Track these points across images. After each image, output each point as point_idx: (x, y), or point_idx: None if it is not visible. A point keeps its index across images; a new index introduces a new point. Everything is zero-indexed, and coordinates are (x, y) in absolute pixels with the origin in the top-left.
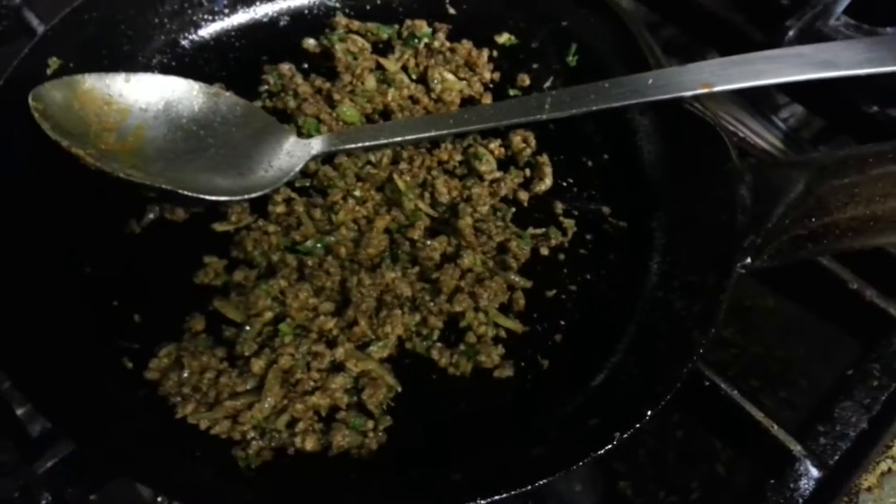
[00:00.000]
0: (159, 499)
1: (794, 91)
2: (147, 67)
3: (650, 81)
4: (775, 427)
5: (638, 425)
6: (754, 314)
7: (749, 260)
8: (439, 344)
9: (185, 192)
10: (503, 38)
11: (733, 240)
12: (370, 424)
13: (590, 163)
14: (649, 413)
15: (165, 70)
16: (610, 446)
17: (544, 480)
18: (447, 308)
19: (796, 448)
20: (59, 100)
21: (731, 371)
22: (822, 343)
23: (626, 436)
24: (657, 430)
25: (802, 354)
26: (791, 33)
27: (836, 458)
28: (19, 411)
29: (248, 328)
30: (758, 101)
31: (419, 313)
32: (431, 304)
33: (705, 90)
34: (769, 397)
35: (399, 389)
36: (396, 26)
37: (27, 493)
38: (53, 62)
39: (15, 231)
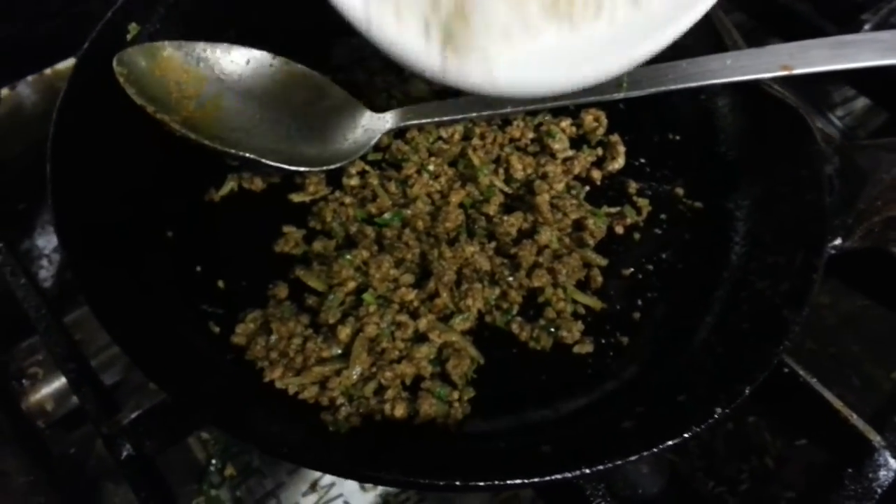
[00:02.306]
0: (213, 461)
1: (862, 83)
2: (222, 37)
3: (728, 62)
4: (854, 416)
5: (738, 401)
6: (809, 312)
7: (840, 241)
8: (519, 318)
9: (267, 162)
10: None
11: (823, 218)
12: (455, 395)
13: (663, 143)
14: (748, 390)
15: (239, 40)
16: (711, 420)
17: (645, 453)
18: (526, 283)
19: (876, 438)
20: (142, 66)
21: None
22: (876, 342)
23: (727, 411)
24: None
25: (856, 353)
26: (867, 27)
27: None
28: (93, 362)
29: (331, 297)
30: (815, 98)
31: (499, 287)
32: (511, 278)
33: (785, 72)
34: None
35: (482, 362)
36: None
37: (111, 443)
38: (133, 28)
39: (98, 193)
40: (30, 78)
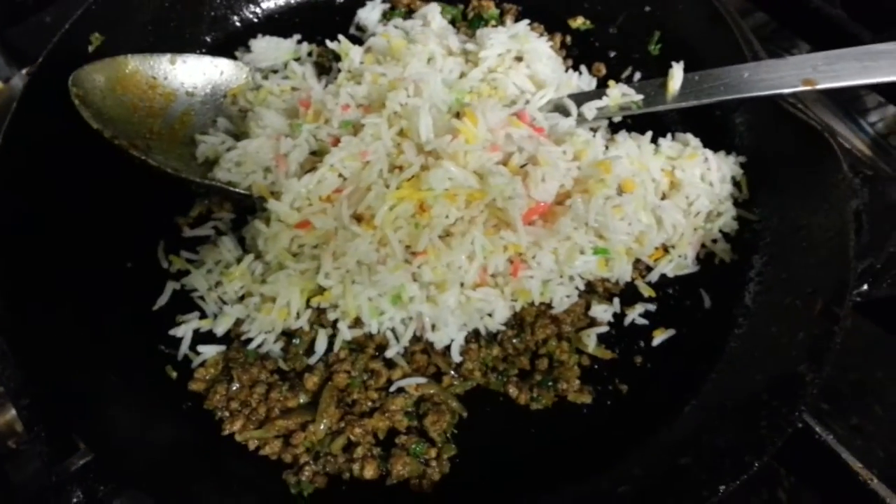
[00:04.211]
0: None
1: (889, 92)
2: (195, 46)
3: (746, 75)
4: (875, 480)
5: (746, 475)
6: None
7: (866, 287)
8: (515, 378)
9: (237, 190)
10: (577, 22)
11: (846, 262)
12: (433, 452)
13: None
14: (757, 463)
15: (214, 50)
16: (714, 499)
17: None
18: (530, 339)
19: None
20: (101, 84)
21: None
22: None
23: (731, 489)
24: None
25: (879, 379)
26: None
27: None
28: None
29: (297, 340)
30: (846, 103)
31: (499, 347)
32: (516, 339)
33: (808, 87)
34: (840, 424)
35: (464, 415)
36: (461, 7)
37: (59, 490)
38: (96, 38)
39: (47, 223)
40: (24, 71)
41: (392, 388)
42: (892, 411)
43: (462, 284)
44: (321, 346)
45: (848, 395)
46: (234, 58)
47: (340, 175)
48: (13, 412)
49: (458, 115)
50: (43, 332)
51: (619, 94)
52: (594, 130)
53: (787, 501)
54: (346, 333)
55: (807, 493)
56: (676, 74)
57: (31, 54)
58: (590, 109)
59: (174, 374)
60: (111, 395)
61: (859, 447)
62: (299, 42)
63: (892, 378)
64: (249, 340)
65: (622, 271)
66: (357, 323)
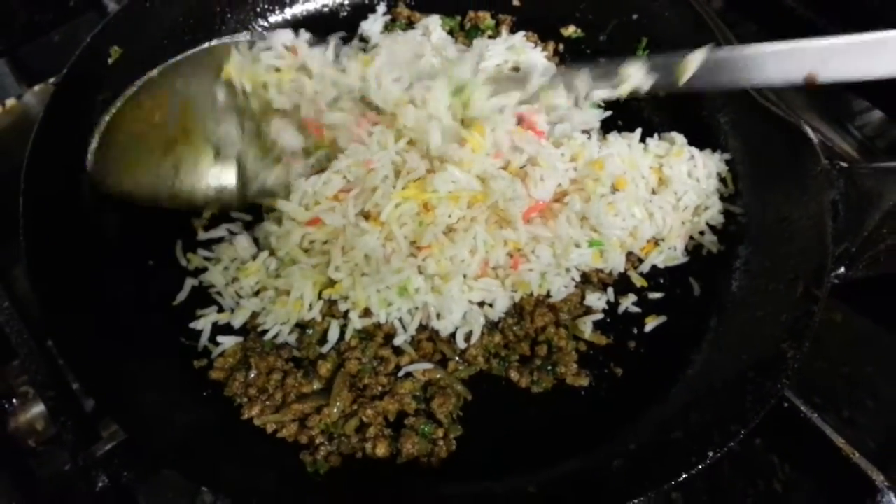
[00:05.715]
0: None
1: (874, 96)
2: None
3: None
4: (857, 455)
5: (731, 444)
6: (821, 328)
7: (843, 269)
8: (517, 363)
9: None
10: (569, 30)
11: (824, 247)
12: (440, 432)
13: None
14: (742, 432)
15: None
16: (701, 466)
17: (635, 500)
18: (530, 327)
19: (879, 478)
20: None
21: (791, 386)
22: (892, 363)
23: (718, 455)
24: None
25: (869, 374)
26: None
27: None
28: (76, 385)
29: (310, 330)
30: (833, 108)
31: (501, 335)
32: (516, 327)
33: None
34: (831, 416)
35: (469, 398)
36: (458, 18)
37: (85, 475)
38: (115, 51)
39: (76, 222)
40: (36, 88)
41: (400, 374)
42: (883, 405)
43: (465, 276)
44: (333, 335)
45: (840, 389)
46: None
47: (345, 178)
48: (35, 410)
49: (462, 122)
50: (76, 329)
51: (635, 72)
52: (587, 132)
53: (783, 491)
54: (356, 323)
55: (801, 485)
56: (696, 57)
57: (40, 72)
58: (598, 93)
59: (196, 364)
60: (139, 383)
61: (851, 438)
62: None
63: (883, 372)
64: (265, 331)
65: (616, 263)
66: (366, 313)
